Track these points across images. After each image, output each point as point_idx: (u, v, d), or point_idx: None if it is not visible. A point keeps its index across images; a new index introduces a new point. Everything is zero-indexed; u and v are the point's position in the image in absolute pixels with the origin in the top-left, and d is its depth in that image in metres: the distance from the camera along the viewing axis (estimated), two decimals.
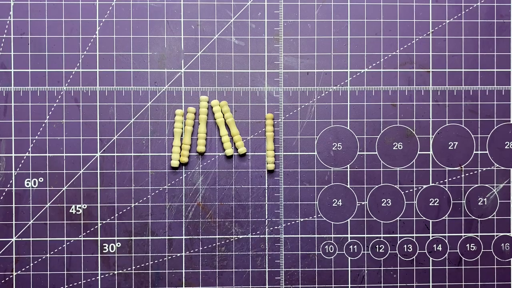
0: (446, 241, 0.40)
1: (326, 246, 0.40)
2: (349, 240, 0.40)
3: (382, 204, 0.40)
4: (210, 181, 0.39)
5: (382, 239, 0.40)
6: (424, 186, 0.40)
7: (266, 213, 0.39)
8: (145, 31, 0.39)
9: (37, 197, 0.39)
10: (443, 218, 0.40)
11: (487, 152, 0.40)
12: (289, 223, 0.39)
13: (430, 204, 0.40)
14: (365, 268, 0.40)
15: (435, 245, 0.40)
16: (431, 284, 0.40)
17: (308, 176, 0.39)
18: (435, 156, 0.40)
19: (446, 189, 0.40)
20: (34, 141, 0.39)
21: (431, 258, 0.40)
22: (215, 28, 0.39)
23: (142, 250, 0.39)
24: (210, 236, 0.39)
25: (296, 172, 0.40)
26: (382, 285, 0.40)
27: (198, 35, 0.39)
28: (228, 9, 0.39)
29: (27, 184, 0.39)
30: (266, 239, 0.39)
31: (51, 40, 0.39)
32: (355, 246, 0.40)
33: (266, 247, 0.39)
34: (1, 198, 0.39)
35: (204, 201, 0.39)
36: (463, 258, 0.40)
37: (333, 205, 0.40)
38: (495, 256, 0.40)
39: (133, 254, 0.39)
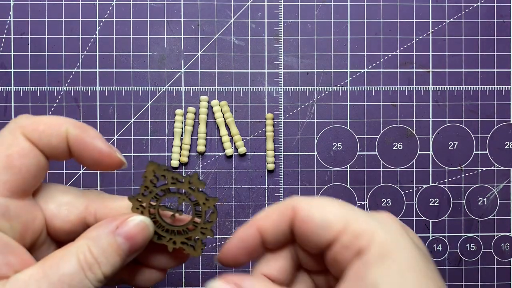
0: (446, 241, 0.40)
1: None
2: None
3: (382, 204, 0.40)
4: (210, 181, 0.39)
5: None
6: (424, 186, 0.40)
7: None
8: (145, 31, 0.39)
9: None
10: (443, 218, 0.40)
11: (487, 152, 0.40)
12: None
13: (430, 204, 0.40)
14: None
15: (435, 245, 0.40)
16: None
17: (308, 176, 0.39)
18: (435, 156, 0.40)
19: (446, 189, 0.40)
20: None
21: None
22: (215, 28, 0.39)
23: None
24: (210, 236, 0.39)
25: (296, 172, 0.39)
26: None
27: (198, 35, 0.39)
28: (228, 9, 0.39)
29: None
30: None
31: (51, 40, 0.39)
32: None
33: None
34: None
35: None
36: (463, 258, 0.40)
37: None
38: (495, 256, 0.40)
39: None
